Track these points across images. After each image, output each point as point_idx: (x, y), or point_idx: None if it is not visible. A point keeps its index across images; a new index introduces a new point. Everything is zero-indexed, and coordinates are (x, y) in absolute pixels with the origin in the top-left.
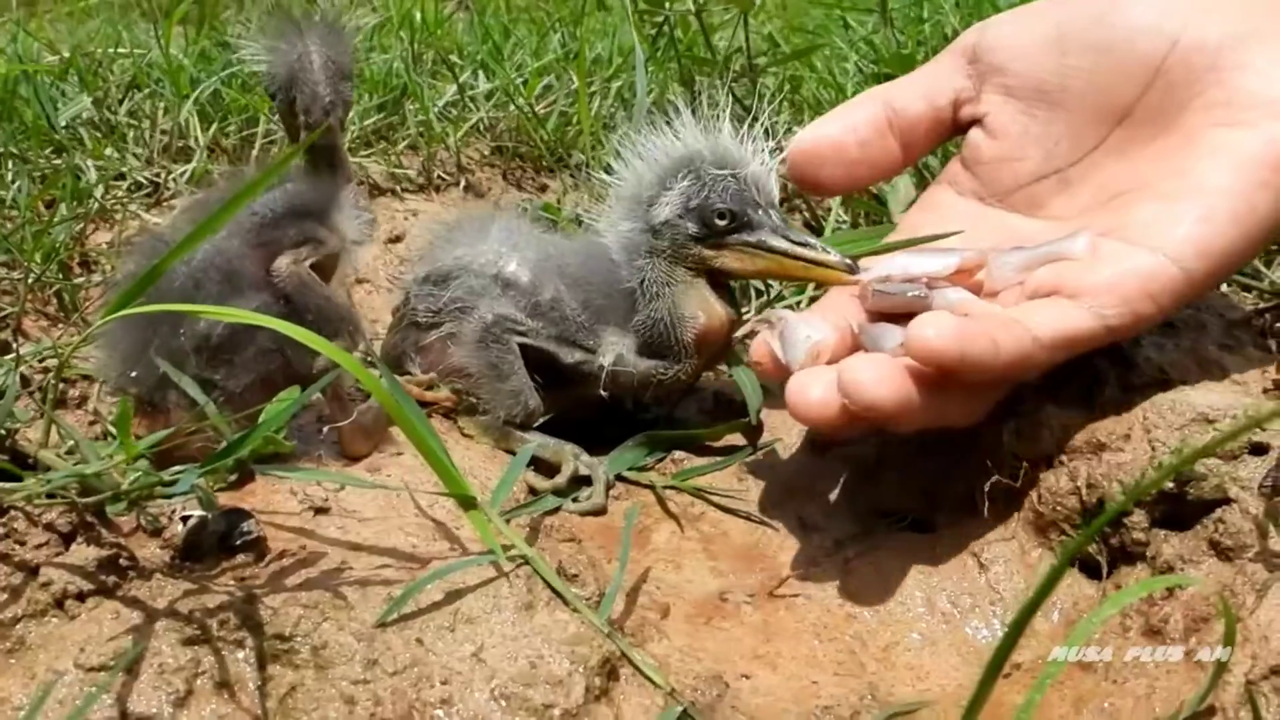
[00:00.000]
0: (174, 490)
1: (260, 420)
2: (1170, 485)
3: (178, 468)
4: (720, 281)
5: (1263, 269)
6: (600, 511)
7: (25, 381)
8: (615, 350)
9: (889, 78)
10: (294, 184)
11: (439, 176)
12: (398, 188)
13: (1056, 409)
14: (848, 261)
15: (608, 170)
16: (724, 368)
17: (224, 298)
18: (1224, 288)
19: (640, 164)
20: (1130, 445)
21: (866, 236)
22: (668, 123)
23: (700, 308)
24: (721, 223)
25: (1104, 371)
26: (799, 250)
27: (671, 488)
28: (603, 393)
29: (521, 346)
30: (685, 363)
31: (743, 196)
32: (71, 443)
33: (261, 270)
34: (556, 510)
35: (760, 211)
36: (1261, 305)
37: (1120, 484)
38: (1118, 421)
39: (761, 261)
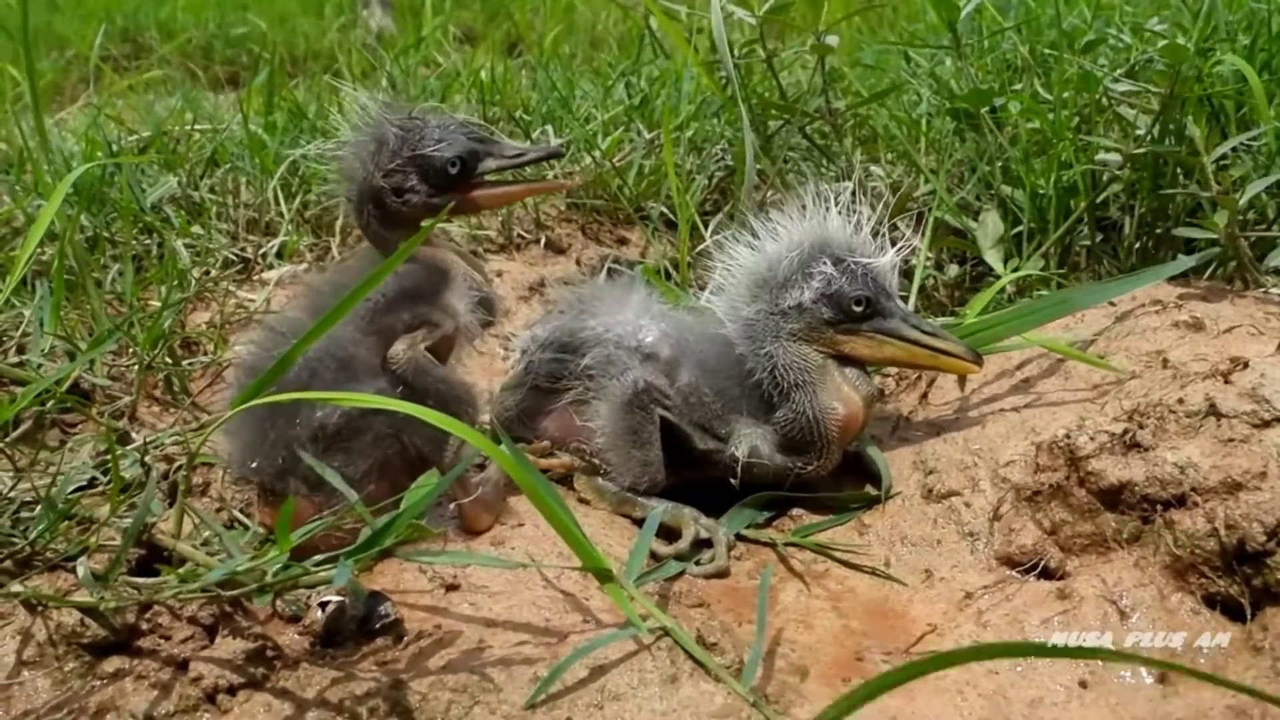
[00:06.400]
0: (327, 582)
1: (403, 508)
2: None
3: (320, 555)
4: (849, 361)
5: None
6: (724, 574)
7: (145, 469)
8: (749, 442)
9: (968, 114)
10: (404, 265)
11: (518, 235)
12: (480, 249)
13: (1186, 448)
14: (974, 352)
15: (726, 255)
16: None
17: (340, 385)
18: None
19: (772, 247)
20: (1267, 483)
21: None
22: (800, 206)
23: (837, 397)
24: (858, 309)
25: (1230, 407)
26: (929, 340)
27: (792, 544)
28: (732, 480)
29: (660, 420)
30: (827, 458)
31: (878, 285)
32: (206, 532)
33: (377, 357)
34: (680, 574)
35: (891, 300)
36: None
37: (1261, 524)
38: (1251, 459)
39: (890, 349)
